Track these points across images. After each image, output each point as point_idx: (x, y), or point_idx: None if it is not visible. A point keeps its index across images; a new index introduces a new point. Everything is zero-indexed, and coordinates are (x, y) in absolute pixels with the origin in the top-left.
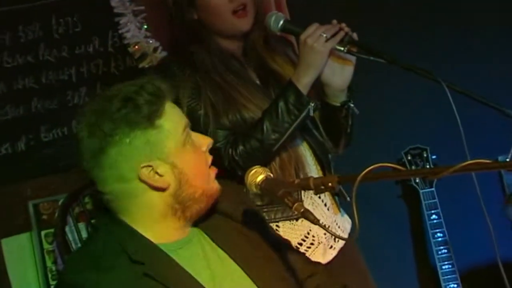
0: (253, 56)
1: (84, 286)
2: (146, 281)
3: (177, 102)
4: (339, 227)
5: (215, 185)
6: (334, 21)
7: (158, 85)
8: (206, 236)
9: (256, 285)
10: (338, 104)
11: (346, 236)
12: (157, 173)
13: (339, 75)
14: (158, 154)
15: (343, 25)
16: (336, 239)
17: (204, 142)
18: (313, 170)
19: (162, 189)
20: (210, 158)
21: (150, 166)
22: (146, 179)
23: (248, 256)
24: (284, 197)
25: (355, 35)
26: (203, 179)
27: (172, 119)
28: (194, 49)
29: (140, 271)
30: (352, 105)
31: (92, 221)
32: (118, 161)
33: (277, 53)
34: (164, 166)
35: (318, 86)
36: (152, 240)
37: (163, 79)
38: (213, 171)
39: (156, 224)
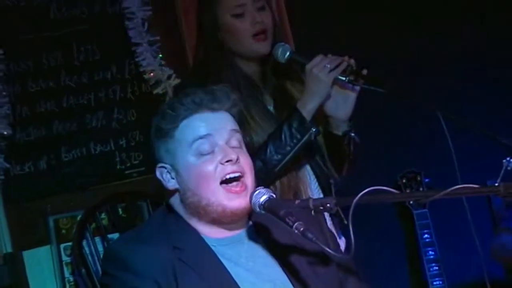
0: (271, 80)
1: (120, 253)
2: (178, 263)
3: None
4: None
5: (229, 203)
6: (329, 55)
7: (193, 99)
8: (263, 241)
9: None
10: (340, 134)
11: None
12: (170, 175)
13: (342, 107)
14: (170, 160)
15: (346, 57)
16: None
17: (219, 155)
18: (316, 193)
19: (169, 190)
20: (224, 173)
21: (165, 168)
22: (159, 176)
23: (298, 270)
24: (286, 217)
25: (356, 66)
26: (207, 191)
27: (185, 131)
28: (215, 71)
29: (176, 255)
30: (353, 134)
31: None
32: (155, 155)
33: (293, 77)
34: (173, 171)
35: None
36: (200, 232)
37: (222, 90)
38: (227, 189)
39: (195, 219)
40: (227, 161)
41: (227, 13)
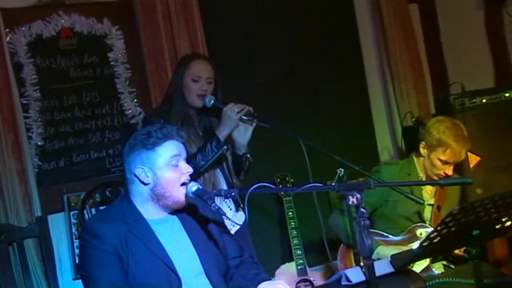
0: (202, 118)
1: (91, 227)
2: (128, 234)
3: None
4: (237, 218)
5: (181, 197)
6: (238, 103)
7: (171, 131)
8: (180, 222)
9: (201, 262)
10: (241, 154)
11: (240, 224)
12: (146, 174)
13: (243, 136)
14: (149, 165)
15: (248, 106)
16: (234, 225)
17: (183, 169)
18: (224, 186)
19: (144, 184)
20: (184, 179)
21: (143, 169)
22: (138, 175)
23: (200, 241)
24: (207, 200)
25: (253, 111)
26: (172, 188)
27: (167, 149)
28: (172, 108)
29: (127, 228)
30: (248, 155)
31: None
32: (131, 162)
33: (214, 117)
34: (150, 172)
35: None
36: (143, 214)
37: (183, 130)
38: (184, 188)
39: (144, 204)
40: (186, 172)
41: (189, 77)
